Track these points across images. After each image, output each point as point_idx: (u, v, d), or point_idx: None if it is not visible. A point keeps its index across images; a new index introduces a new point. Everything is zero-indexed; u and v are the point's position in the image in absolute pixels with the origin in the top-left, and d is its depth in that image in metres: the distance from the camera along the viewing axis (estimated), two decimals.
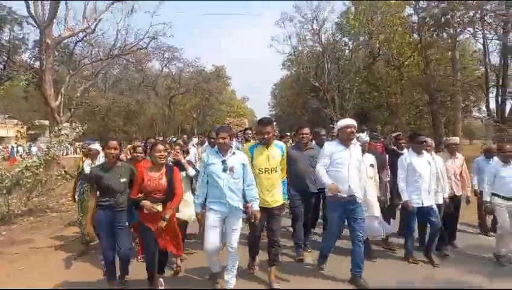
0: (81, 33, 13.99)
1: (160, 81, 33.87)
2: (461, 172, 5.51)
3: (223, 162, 3.73)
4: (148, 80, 31.35)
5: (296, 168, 4.80)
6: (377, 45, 23.91)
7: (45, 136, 15.19)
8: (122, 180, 3.86)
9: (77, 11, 34.01)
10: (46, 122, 16.07)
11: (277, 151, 4.14)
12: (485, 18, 13.51)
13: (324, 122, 23.98)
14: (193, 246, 5.21)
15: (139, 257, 4.78)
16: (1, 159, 7.47)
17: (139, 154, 4.90)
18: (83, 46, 16.82)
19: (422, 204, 4.71)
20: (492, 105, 15.95)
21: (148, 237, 3.83)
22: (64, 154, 8.01)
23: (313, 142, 5.50)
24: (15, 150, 17.22)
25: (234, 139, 5.88)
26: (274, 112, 50.39)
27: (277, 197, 4.11)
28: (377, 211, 4.87)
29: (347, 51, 28.86)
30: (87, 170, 4.94)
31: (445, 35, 17.50)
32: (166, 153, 3.90)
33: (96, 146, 5.29)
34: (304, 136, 5.08)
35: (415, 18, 18.87)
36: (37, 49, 14.54)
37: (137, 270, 4.25)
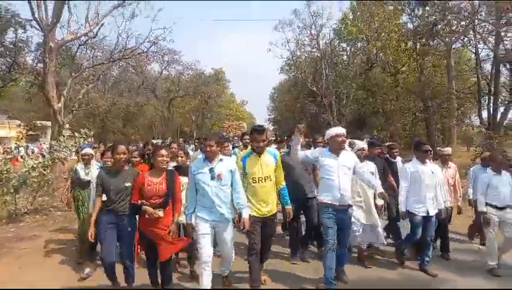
0: (83, 37, 14.33)
1: (160, 84, 34.13)
2: (454, 182, 5.56)
3: (211, 169, 3.69)
4: (147, 82, 31.62)
5: (292, 174, 4.83)
6: (374, 51, 24.30)
7: (46, 137, 15.50)
8: (127, 184, 3.85)
9: (80, 15, 34.35)
10: (47, 124, 16.39)
11: (270, 158, 4.08)
12: (476, 28, 13.90)
13: (322, 127, 24.27)
14: None
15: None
16: (9, 159, 7.73)
17: (134, 159, 4.90)
18: (84, 49, 17.15)
19: (428, 213, 4.72)
20: (485, 113, 16.31)
21: (148, 245, 3.82)
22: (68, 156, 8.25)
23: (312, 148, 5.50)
24: (17, 150, 17.49)
25: (230, 144, 6.02)
26: (272, 116, 50.70)
27: (272, 206, 4.06)
28: (377, 220, 4.87)
29: (345, 57, 29.26)
30: (81, 174, 5.08)
31: (439, 43, 17.90)
32: (168, 159, 3.87)
33: (89, 150, 5.37)
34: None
35: (410, 26, 19.28)
36: (39, 51, 14.88)
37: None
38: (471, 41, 15.08)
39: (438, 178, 4.89)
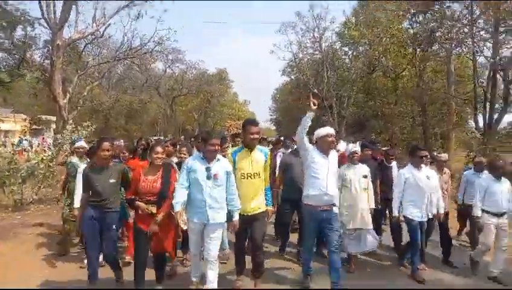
0: (90, 36, 14.75)
1: (163, 82, 34.53)
2: (447, 187, 5.58)
3: (207, 169, 3.62)
4: (151, 80, 32.01)
5: (290, 173, 4.85)
6: (376, 56, 24.59)
7: (50, 131, 15.93)
8: (111, 181, 3.83)
9: (87, 14, 34.82)
10: (51, 118, 16.83)
11: (260, 155, 4.03)
12: (474, 36, 14.19)
13: None
14: None
15: (123, 256, 4.82)
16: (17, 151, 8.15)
17: (123, 154, 5.05)
18: (90, 48, 17.58)
19: (422, 218, 4.74)
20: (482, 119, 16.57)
21: (140, 241, 3.78)
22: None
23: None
24: (21, 144, 17.92)
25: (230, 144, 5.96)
26: (274, 117, 51.03)
27: (259, 204, 4.00)
28: (369, 224, 4.84)
29: (347, 60, 29.55)
30: (80, 166, 4.90)
31: (440, 48, 18.17)
32: (164, 155, 3.87)
33: (82, 143, 5.43)
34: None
35: (411, 31, 19.54)
36: (46, 48, 15.32)
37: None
38: (469, 49, 15.37)
39: (433, 184, 4.88)
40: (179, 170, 4.39)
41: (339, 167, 4.60)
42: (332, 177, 4.15)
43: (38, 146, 14.39)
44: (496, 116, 14.64)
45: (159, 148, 3.81)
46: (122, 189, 4.16)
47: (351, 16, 27.05)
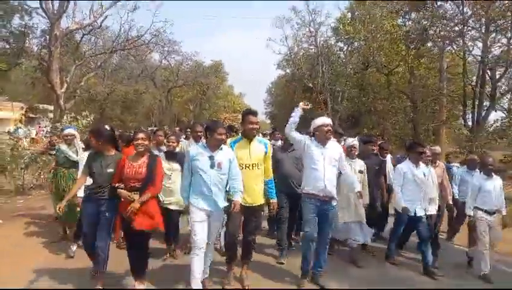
0: (87, 27, 14.92)
1: (159, 73, 34.57)
2: (442, 181, 5.46)
3: (211, 157, 3.61)
4: (147, 70, 32.08)
5: (280, 169, 4.76)
6: (370, 52, 24.88)
7: (47, 120, 16.13)
8: (109, 170, 3.81)
9: (84, 5, 34.66)
10: (49, 107, 17.01)
11: (260, 146, 4.00)
12: (464, 35, 14.56)
13: None
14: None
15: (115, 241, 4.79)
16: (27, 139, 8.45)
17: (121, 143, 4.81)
18: (88, 38, 17.71)
19: (415, 214, 4.77)
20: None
21: (128, 230, 3.74)
22: None
23: None
24: (18, 131, 18.10)
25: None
26: (269, 110, 51.24)
27: (256, 196, 3.96)
28: (362, 217, 4.89)
29: (342, 55, 29.82)
30: (69, 153, 5.14)
31: (434, 45, 18.52)
32: (146, 142, 3.78)
33: (71, 131, 5.44)
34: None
35: (404, 29, 19.85)
36: (44, 38, 15.46)
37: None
38: (460, 47, 15.74)
39: (430, 182, 4.91)
40: (170, 158, 4.64)
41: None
42: (331, 168, 4.09)
43: (36, 134, 14.58)
44: (483, 113, 15.09)
45: (140, 135, 3.79)
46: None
47: (346, 12, 27.29)
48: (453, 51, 16.34)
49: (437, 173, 5.33)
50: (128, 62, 31.25)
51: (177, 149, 5.00)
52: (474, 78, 15.99)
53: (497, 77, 14.32)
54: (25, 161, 7.49)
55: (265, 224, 5.95)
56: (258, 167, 3.95)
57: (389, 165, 5.90)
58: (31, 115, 21.32)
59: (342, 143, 6.03)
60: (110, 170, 3.80)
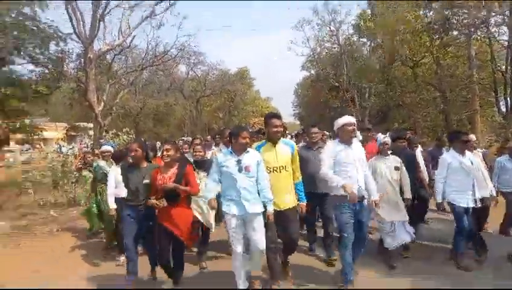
0: (117, 47, 15.92)
1: (187, 84, 35.62)
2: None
3: (238, 161, 3.64)
4: (175, 83, 33.21)
5: (306, 168, 4.58)
6: (394, 45, 24.59)
7: (88, 136, 17.23)
8: (145, 181, 3.98)
9: (113, 27, 36.53)
10: (88, 125, 18.17)
11: (286, 148, 3.98)
12: (489, 21, 14.25)
13: None
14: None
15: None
16: (73, 156, 9.27)
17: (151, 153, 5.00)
18: (119, 58, 18.83)
19: (468, 204, 4.54)
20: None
21: (162, 240, 3.90)
22: None
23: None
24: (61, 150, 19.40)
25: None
26: (297, 111, 51.33)
27: (289, 199, 3.92)
28: (404, 216, 4.69)
29: (365, 51, 29.63)
30: (107, 170, 5.32)
31: (459, 34, 18.13)
32: (171, 153, 3.90)
33: (107, 147, 5.72)
34: (314, 135, 4.99)
35: (426, 20, 19.57)
36: (79, 61, 16.61)
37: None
38: (485, 34, 15.39)
39: (477, 169, 4.74)
40: (198, 167, 4.69)
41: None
42: (359, 167, 3.96)
43: (78, 151, 15.65)
44: None
45: (166, 146, 3.97)
46: None
47: (366, 8, 27.18)
48: (479, 39, 15.92)
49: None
50: (157, 76, 32.57)
51: (208, 156, 5.15)
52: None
53: None
54: (75, 176, 8.28)
55: None
56: (286, 169, 3.93)
57: (419, 158, 5.77)
58: (73, 133, 22.72)
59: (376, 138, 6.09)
60: (146, 181, 3.98)
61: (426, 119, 23.19)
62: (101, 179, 5.49)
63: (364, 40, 29.05)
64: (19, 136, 14.88)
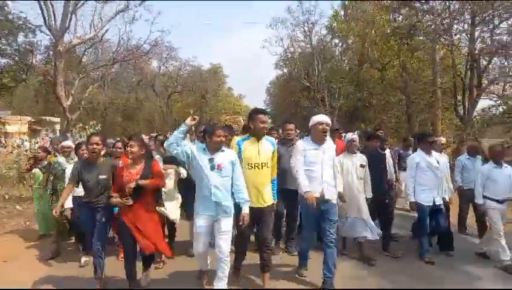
0: (89, 41, 15.57)
1: (158, 80, 35.14)
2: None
3: (210, 160, 3.54)
4: (146, 78, 32.67)
5: (282, 164, 4.55)
6: (364, 47, 25.39)
7: (54, 131, 16.78)
8: (101, 177, 3.83)
9: (85, 19, 35.50)
10: (54, 119, 17.68)
11: (268, 145, 3.92)
12: (451, 29, 15.10)
13: None
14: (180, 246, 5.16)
15: (120, 256, 4.74)
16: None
17: (117, 150, 4.88)
18: (89, 52, 18.39)
19: (434, 203, 4.74)
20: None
21: (125, 236, 3.75)
22: None
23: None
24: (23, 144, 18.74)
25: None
26: (269, 110, 51.68)
27: (266, 196, 3.85)
28: (365, 213, 4.75)
29: (337, 52, 30.37)
30: (67, 167, 4.91)
31: (425, 39, 19.02)
32: (135, 149, 3.78)
33: (68, 143, 5.44)
34: (290, 132, 5.04)
35: (393, 24, 20.39)
36: (47, 54, 16.15)
37: (117, 268, 4.26)
38: (447, 41, 16.27)
39: (443, 168, 4.94)
40: (168, 162, 4.66)
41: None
42: (328, 169, 3.94)
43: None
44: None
45: (131, 142, 3.86)
46: None
47: (339, 9, 27.85)
48: (443, 45, 16.84)
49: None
50: (127, 71, 31.89)
51: None
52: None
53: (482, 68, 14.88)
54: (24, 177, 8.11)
55: None
56: (267, 166, 3.87)
57: (388, 158, 5.77)
58: (37, 128, 21.96)
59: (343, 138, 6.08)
60: (103, 176, 3.85)
61: (391, 121, 24.18)
62: (59, 176, 5.06)
63: (337, 41, 29.76)
64: None
